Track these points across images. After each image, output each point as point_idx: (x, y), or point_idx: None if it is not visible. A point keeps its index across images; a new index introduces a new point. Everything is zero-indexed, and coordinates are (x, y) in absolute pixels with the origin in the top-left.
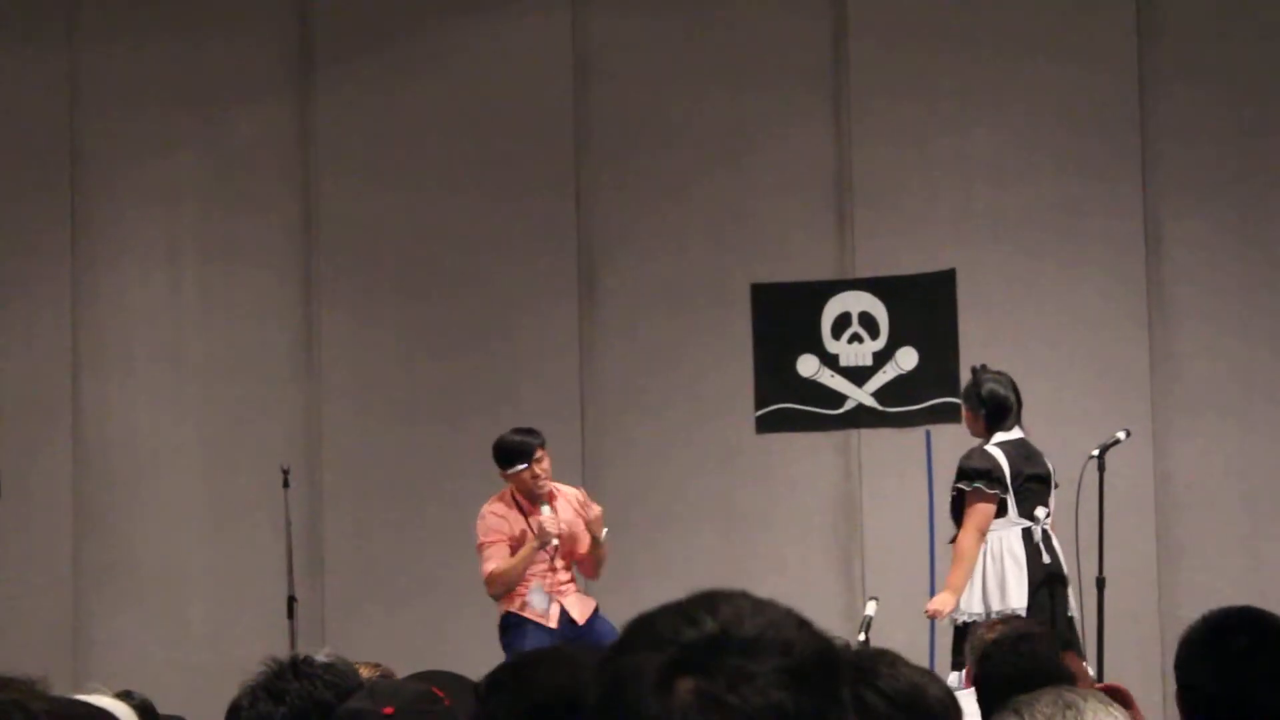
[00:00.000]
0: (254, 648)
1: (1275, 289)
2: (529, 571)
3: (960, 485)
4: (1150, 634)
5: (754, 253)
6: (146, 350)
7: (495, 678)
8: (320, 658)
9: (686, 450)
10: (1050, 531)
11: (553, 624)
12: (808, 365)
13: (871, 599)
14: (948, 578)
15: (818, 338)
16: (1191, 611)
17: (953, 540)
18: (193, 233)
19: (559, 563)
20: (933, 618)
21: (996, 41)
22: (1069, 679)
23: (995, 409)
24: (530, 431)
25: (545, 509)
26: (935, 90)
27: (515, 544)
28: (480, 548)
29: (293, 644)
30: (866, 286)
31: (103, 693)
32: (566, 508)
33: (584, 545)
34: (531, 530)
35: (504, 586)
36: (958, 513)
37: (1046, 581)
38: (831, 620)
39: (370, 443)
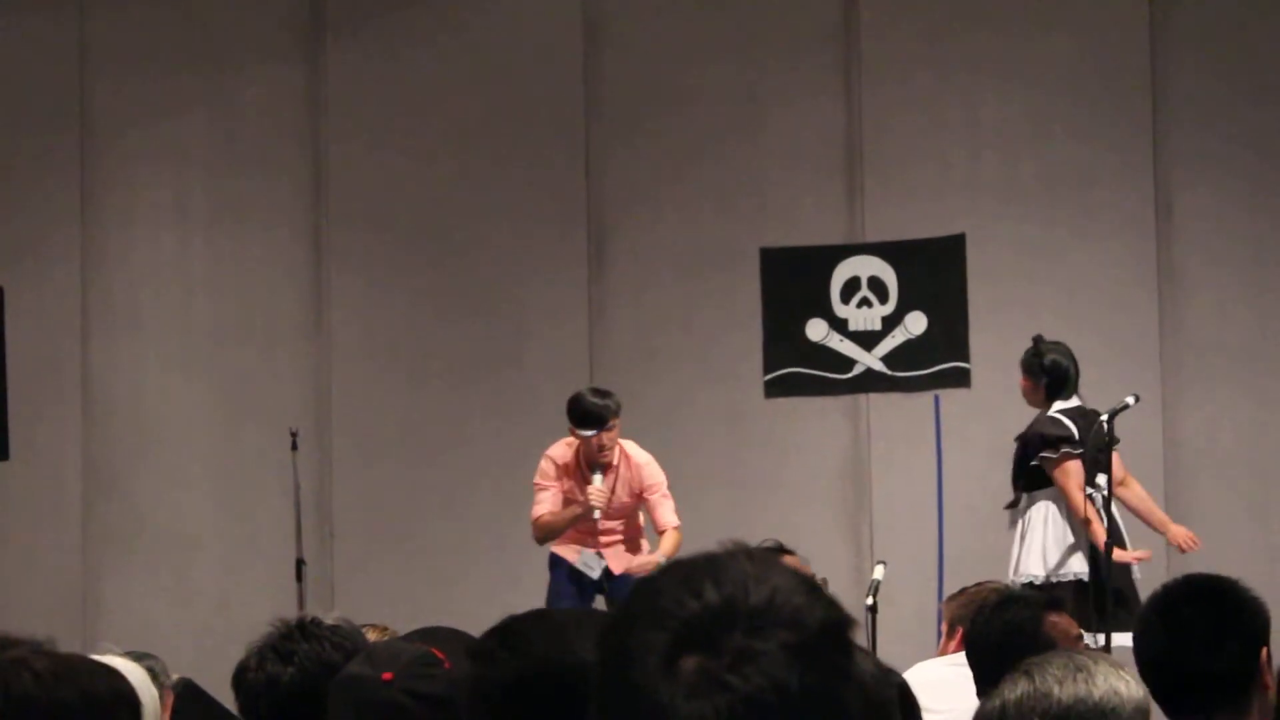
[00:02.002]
0: (262, 610)
1: None
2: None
3: (1047, 454)
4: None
5: (764, 218)
6: (156, 312)
7: (482, 645)
8: (328, 620)
9: (695, 414)
10: (1110, 497)
11: (595, 575)
12: (817, 330)
13: (879, 563)
14: (1095, 539)
15: (827, 302)
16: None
17: (1011, 505)
18: (202, 195)
19: (603, 524)
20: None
21: (1008, 10)
22: (1051, 641)
23: (1057, 379)
24: (607, 395)
25: (597, 478)
26: (946, 58)
27: (565, 492)
28: (534, 488)
29: (301, 606)
30: (876, 251)
31: (114, 653)
32: (625, 480)
33: (634, 518)
34: (580, 491)
35: (545, 535)
36: (1028, 479)
37: (1106, 546)
38: (839, 584)
39: (379, 405)
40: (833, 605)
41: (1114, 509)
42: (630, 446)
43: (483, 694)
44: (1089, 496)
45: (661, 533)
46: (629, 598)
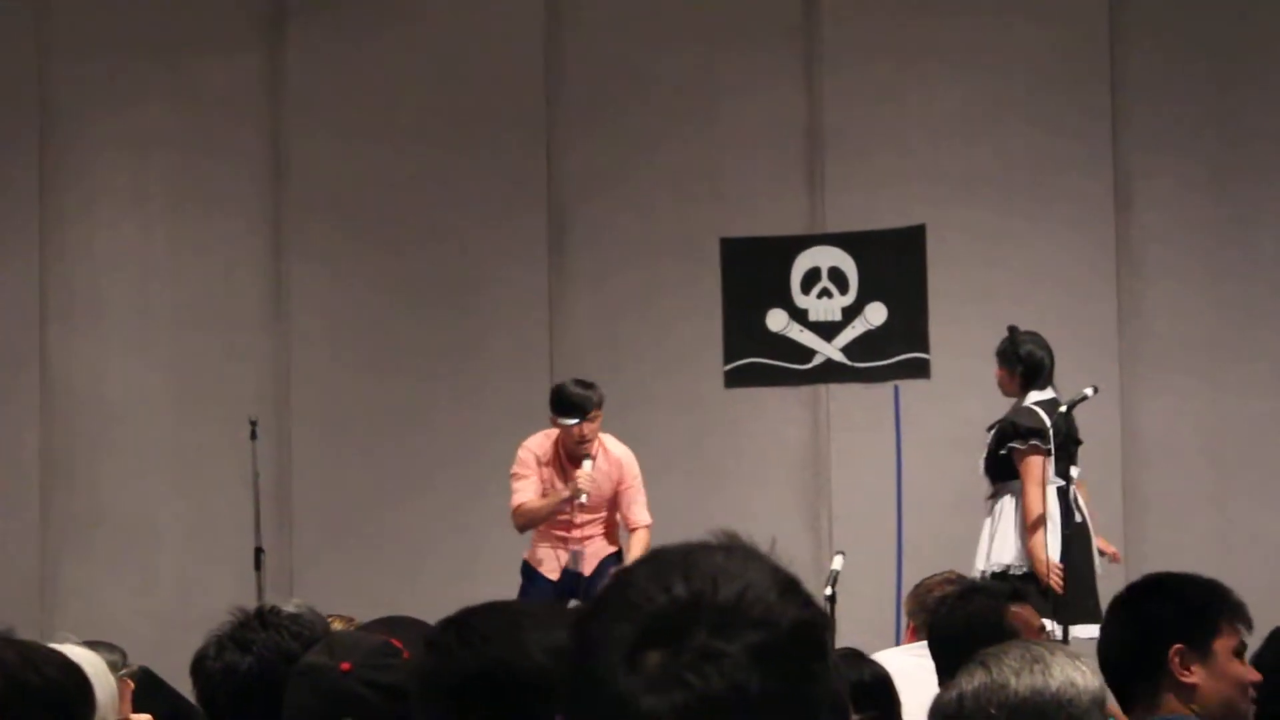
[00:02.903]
0: (221, 598)
1: (1244, 247)
2: (557, 528)
3: (1015, 444)
4: (1115, 590)
5: (724, 207)
6: (115, 299)
7: (438, 638)
8: (288, 608)
9: (655, 404)
10: (1078, 490)
11: (555, 575)
12: (777, 320)
13: (838, 553)
14: (1031, 539)
15: (787, 292)
16: (1157, 567)
17: (991, 497)
18: (162, 182)
19: (580, 518)
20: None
21: None
22: (1013, 631)
23: (1031, 369)
24: (590, 387)
25: (587, 464)
26: (906, 47)
27: (544, 481)
28: (511, 477)
29: (260, 595)
30: (836, 241)
31: (72, 642)
32: (604, 473)
33: (610, 513)
34: (558, 481)
35: (527, 522)
36: (999, 469)
37: (1076, 537)
38: (798, 574)
39: (339, 394)
40: (808, 605)
41: (1080, 502)
42: (608, 439)
43: (434, 687)
44: (1060, 489)
45: (633, 530)
46: (606, 585)
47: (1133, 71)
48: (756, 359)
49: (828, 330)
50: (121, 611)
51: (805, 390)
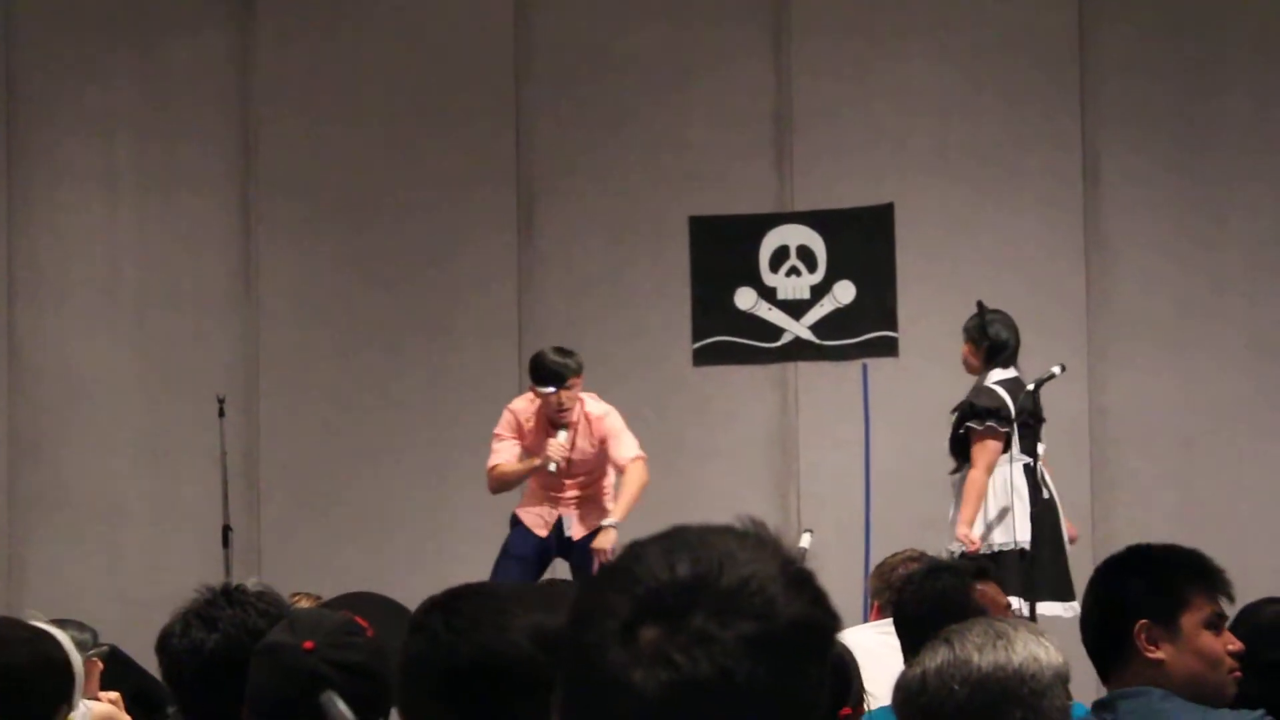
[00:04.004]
0: (189, 577)
1: (1212, 222)
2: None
3: (972, 423)
4: (1083, 568)
5: (693, 185)
6: (82, 278)
7: (423, 620)
8: (251, 585)
9: (623, 382)
10: (1044, 468)
11: (542, 532)
12: (745, 298)
13: (806, 531)
14: (961, 512)
15: (755, 271)
16: (1125, 544)
17: (954, 472)
18: (129, 161)
19: (569, 480)
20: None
21: None
22: (979, 609)
23: (995, 348)
24: (569, 355)
25: (562, 434)
26: (875, 24)
27: (525, 445)
28: (493, 438)
29: (228, 573)
30: (804, 220)
31: (39, 620)
32: (583, 436)
33: (598, 476)
34: (542, 443)
35: (499, 485)
36: (961, 448)
37: (1044, 514)
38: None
39: (307, 372)
40: (816, 603)
41: (1047, 479)
42: (589, 399)
43: (420, 672)
44: (1026, 466)
45: (622, 469)
46: (618, 555)
47: (1102, 47)
48: (725, 337)
49: (796, 308)
50: (89, 590)
51: (774, 368)
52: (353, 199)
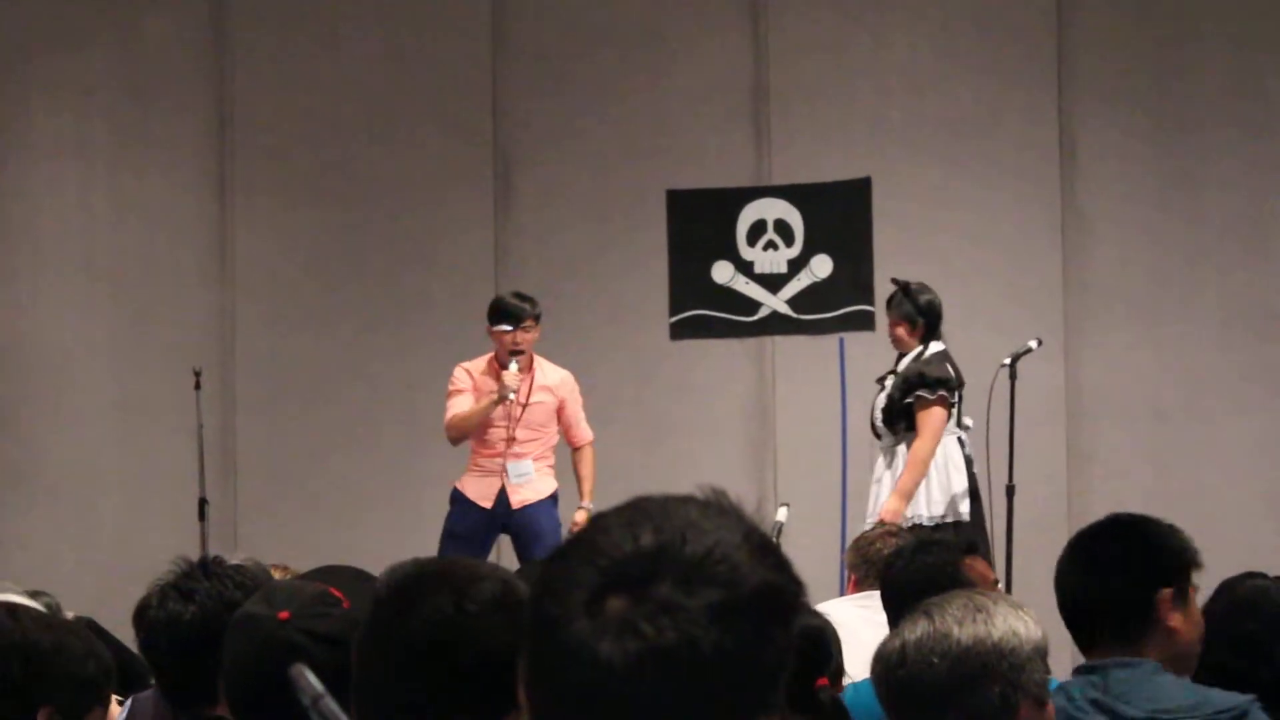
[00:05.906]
0: (165, 549)
1: (1189, 198)
2: (491, 451)
3: (923, 392)
4: (1059, 542)
5: (670, 159)
6: (57, 251)
7: (384, 596)
8: (234, 560)
9: (601, 356)
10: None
11: (486, 504)
12: (722, 272)
13: (783, 505)
14: (901, 482)
15: (733, 244)
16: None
17: (890, 440)
18: (104, 129)
19: (519, 433)
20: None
21: None
22: (970, 584)
23: (935, 319)
24: (529, 300)
25: (513, 365)
26: None
27: (478, 394)
28: (446, 396)
29: (204, 546)
30: (782, 194)
31: (14, 591)
32: (537, 385)
33: (547, 434)
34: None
35: (459, 433)
36: (899, 419)
37: (976, 487)
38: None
39: (283, 345)
40: (780, 570)
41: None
42: (545, 362)
43: (378, 647)
44: (960, 439)
45: (578, 448)
46: (583, 528)
47: (1079, 22)
48: (702, 311)
49: (773, 282)
50: (64, 561)
51: (751, 342)
52: (330, 173)
